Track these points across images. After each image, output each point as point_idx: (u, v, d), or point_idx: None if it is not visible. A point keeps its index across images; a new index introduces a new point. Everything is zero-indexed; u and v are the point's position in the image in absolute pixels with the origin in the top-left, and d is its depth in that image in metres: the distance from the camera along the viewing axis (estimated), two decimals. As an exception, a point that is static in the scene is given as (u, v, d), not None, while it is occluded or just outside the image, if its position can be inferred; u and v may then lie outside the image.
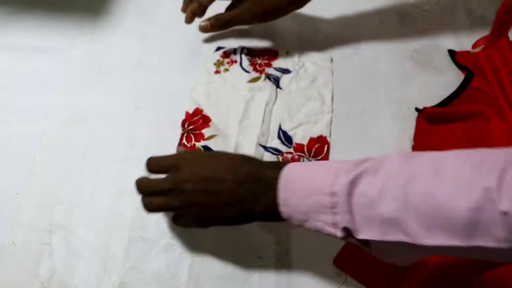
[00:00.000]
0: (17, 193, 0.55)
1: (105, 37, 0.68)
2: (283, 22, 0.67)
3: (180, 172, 0.44)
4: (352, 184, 0.37)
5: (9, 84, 0.64)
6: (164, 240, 0.52)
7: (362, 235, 0.36)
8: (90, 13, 0.71)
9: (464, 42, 0.67)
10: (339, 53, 0.66)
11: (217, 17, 0.64)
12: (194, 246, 0.51)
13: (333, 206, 0.37)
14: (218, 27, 0.64)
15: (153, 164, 0.48)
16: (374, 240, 0.36)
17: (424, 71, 0.64)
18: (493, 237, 0.31)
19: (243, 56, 0.65)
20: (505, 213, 0.30)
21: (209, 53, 0.66)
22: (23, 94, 0.63)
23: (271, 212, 0.42)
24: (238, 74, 0.63)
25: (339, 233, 0.38)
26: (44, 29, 0.69)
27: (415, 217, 0.34)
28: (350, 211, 0.37)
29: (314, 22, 0.68)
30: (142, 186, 0.47)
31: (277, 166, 0.42)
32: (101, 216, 0.54)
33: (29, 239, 0.52)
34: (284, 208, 0.41)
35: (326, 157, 0.56)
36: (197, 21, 0.67)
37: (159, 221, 0.53)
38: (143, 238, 0.52)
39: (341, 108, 0.61)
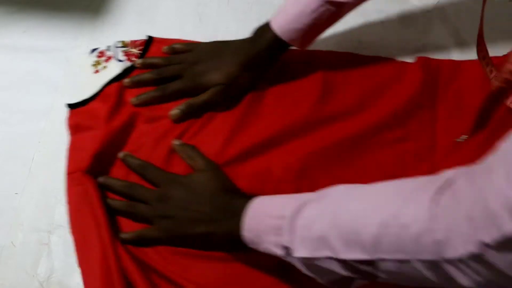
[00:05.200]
0: (16, 193, 0.55)
1: (105, 37, 0.68)
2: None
3: (170, 189, 0.52)
4: (299, 208, 0.41)
5: (8, 83, 0.64)
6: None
7: (297, 253, 0.41)
8: (90, 13, 0.71)
9: (465, 42, 0.66)
10: (339, 53, 0.66)
11: (190, 103, 0.60)
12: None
13: (279, 228, 0.42)
14: (191, 113, 0.60)
15: (149, 172, 0.55)
16: (306, 258, 0.40)
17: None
18: (394, 250, 0.35)
19: (117, 50, 0.65)
20: (404, 226, 0.34)
21: (84, 57, 0.65)
22: (23, 94, 0.63)
23: (234, 237, 0.46)
24: (116, 67, 0.64)
25: (279, 251, 0.42)
26: (44, 29, 0.69)
27: (339, 234, 0.38)
28: (292, 232, 0.41)
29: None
30: (133, 189, 0.53)
31: (249, 197, 0.48)
32: (100, 216, 0.53)
33: (28, 239, 0.52)
34: (245, 233, 0.45)
35: None
36: (195, 25, 0.67)
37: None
38: (142, 238, 0.52)
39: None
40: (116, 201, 0.53)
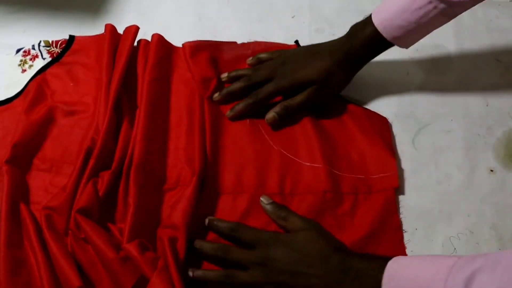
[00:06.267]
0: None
1: (105, 37, 0.68)
2: (287, 25, 0.67)
3: (271, 250, 0.46)
4: (468, 280, 0.36)
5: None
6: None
7: None
8: (90, 13, 0.71)
9: (465, 42, 0.66)
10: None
11: (285, 105, 0.57)
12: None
13: None
14: (286, 116, 0.57)
15: (243, 233, 0.49)
16: None
17: (424, 72, 0.64)
18: None
19: (42, 49, 0.66)
20: None
21: (10, 57, 0.66)
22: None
23: None
24: (41, 66, 0.65)
25: None
26: (44, 29, 0.69)
27: None
28: None
29: (314, 22, 0.68)
30: (228, 253, 0.48)
31: (370, 258, 0.45)
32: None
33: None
34: None
35: None
36: (195, 25, 0.67)
37: (158, 221, 0.52)
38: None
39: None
40: (209, 272, 0.48)
